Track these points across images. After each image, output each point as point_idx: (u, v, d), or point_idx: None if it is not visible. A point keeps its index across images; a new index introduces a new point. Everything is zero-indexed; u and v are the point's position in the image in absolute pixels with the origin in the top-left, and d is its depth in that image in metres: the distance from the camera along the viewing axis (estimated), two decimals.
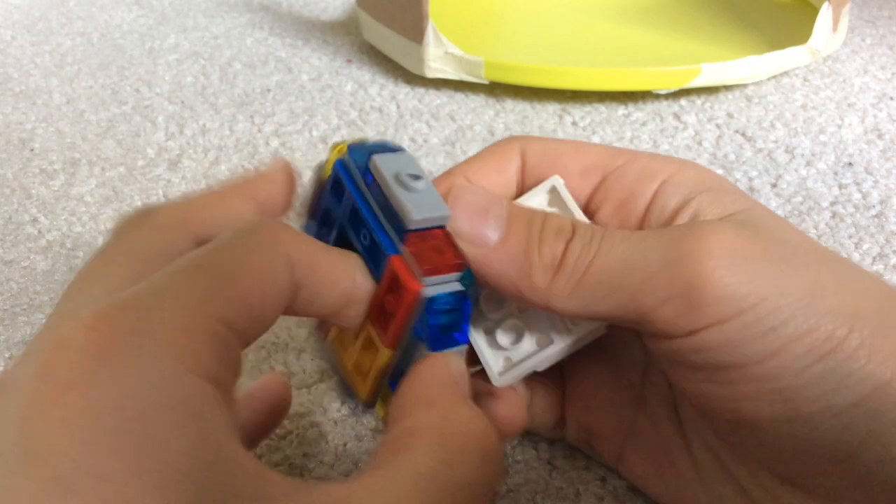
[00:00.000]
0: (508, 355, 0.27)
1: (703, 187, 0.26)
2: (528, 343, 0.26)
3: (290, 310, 0.22)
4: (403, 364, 0.23)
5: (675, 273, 0.22)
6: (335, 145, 0.24)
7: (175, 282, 0.20)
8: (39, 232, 0.46)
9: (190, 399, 0.18)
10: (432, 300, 0.22)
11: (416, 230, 0.22)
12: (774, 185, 0.50)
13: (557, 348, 0.26)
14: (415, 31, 0.61)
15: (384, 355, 0.23)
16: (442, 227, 0.22)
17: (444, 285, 0.22)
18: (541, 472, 0.31)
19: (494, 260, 0.24)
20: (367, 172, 0.23)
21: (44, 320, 0.39)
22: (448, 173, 0.28)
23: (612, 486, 0.31)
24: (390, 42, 0.65)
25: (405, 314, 0.22)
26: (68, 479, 0.16)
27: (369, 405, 0.24)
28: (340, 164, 0.23)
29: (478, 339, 0.26)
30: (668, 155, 0.28)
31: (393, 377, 0.24)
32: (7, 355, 0.37)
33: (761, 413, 0.23)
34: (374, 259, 0.23)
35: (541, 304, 0.24)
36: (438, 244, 0.22)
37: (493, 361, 0.26)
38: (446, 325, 0.22)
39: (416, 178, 0.22)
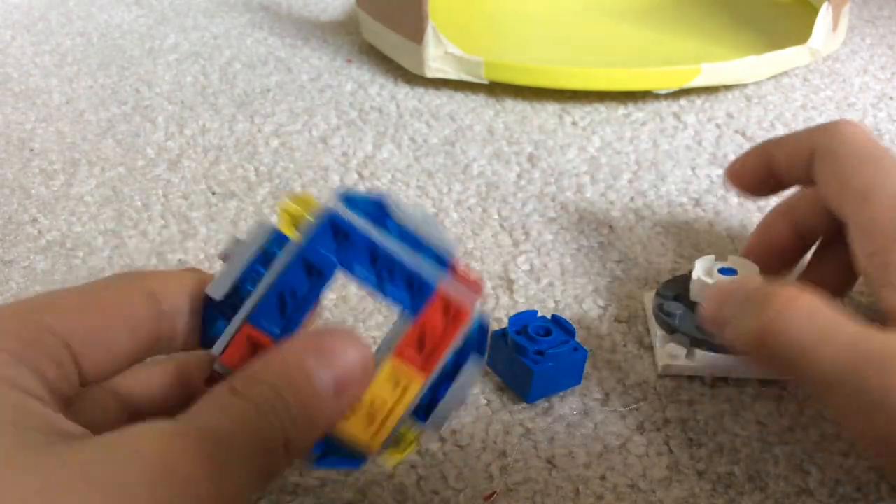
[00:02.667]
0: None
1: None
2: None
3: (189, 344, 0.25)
4: (431, 395, 0.24)
5: None
6: (289, 205, 0.25)
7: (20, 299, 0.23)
8: (39, 232, 0.46)
9: None
10: (482, 317, 0.25)
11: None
12: None
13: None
14: (415, 31, 0.61)
15: (416, 387, 0.24)
16: (447, 263, 0.25)
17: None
18: (540, 471, 0.31)
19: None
20: (386, 218, 0.24)
21: None
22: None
23: (611, 484, 0.31)
24: (390, 42, 0.65)
25: (455, 333, 0.24)
26: None
27: (378, 453, 0.24)
28: (335, 213, 0.24)
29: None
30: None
31: (419, 409, 0.24)
32: None
33: None
34: (399, 294, 0.24)
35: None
36: (461, 275, 0.25)
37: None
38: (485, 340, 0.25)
39: (431, 220, 0.25)
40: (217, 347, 0.24)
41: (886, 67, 0.67)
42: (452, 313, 0.24)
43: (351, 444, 0.24)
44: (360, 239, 0.24)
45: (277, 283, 0.23)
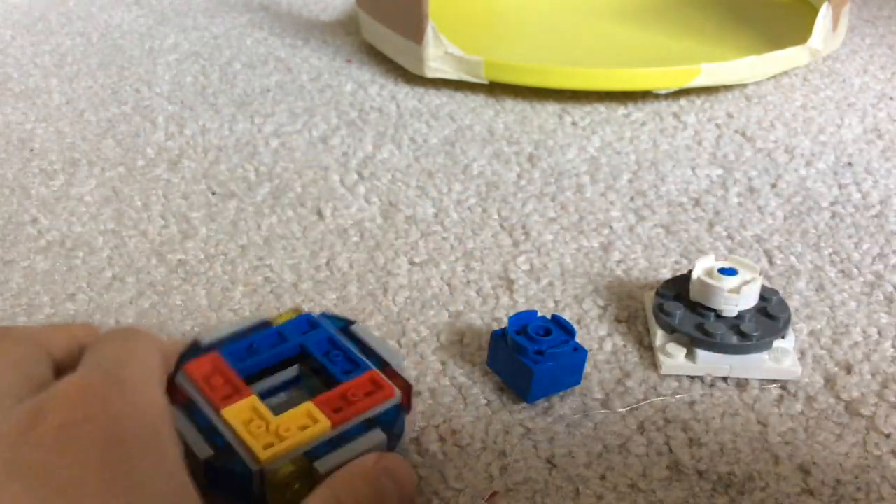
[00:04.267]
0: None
1: None
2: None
3: None
4: (332, 444, 0.28)
5: None
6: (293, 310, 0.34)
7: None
8: (39, 232, 0.46)
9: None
10: (400, 408, 0.30)
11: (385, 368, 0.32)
12: (774, 185, 0.50)
13: None
14: (415, 31, 0.61)
15: (322, 427, 0.28)
16: (389, 366, 0.32)
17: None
18: (540, 471, 0.31)
19: None
20: (347, 331, 0.34)
21: (44, 320, 0.39)
22: None
23: (611, 484, 0.31)
24: (390, 42, 0.65)
25: (369, 405, 0.29)
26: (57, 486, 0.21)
27: (261, 462, 0.27)
28: (311, 315, 0.34)
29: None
30: None
31: (316, 451, 0.28)
32: None
33: None
34: (336, 368, 0.31)
35: None
36: (397, 378, 0.31)
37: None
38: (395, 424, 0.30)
39: (384, 343, 0.33)
40: (184, 360, 0.31)
41: (886, 67, 0.67)
42: (375, 389, 0.30)
43: (246, 452, 0.27)
44: (323, 332, 0.33)
45: (252, 337, 0.32)
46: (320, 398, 0.29)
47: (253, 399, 0.29)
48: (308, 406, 0.29)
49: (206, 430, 0.28)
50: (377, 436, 0.29)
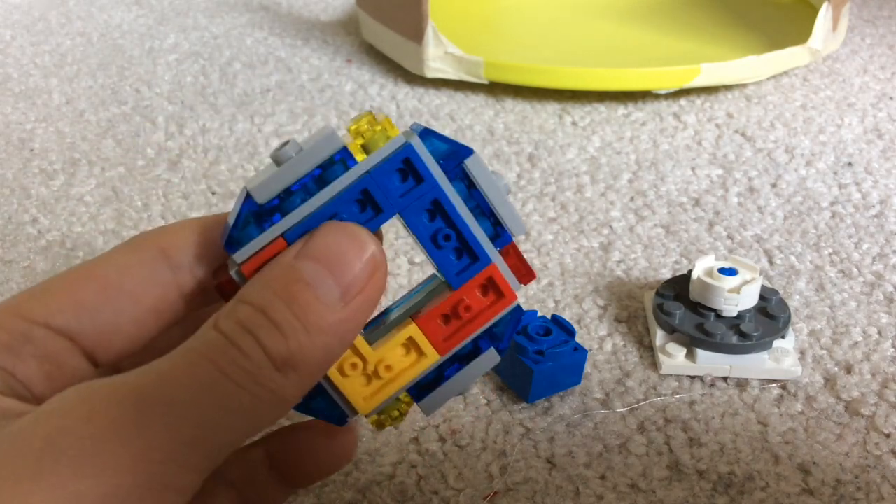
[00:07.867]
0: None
1: None
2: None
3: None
4: (437, 372, 0.23)
5: None
6: (366, 118, 0.21)
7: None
8: (39, 232, 0.46)
9: None
10: (519, 309, 0.23)
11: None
12: (774, 185, 0.50)
13: None
14: (415, 31, 0.61)
15: (430, 360, 0.22)
16: (508, 239, 0.23)
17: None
18: (540, 471, 0.31)
19: None
20: (459, 170, 0.22)
21: None
22: None
23: (612, 484, 0.31)
24: (390, 42, 0.65)
25: (490, 319, 0.22)
26: None
27: (361, 411, 0.22)
28: (412, 148, 0.21)
29: None
30: None
31: (418, 388, 0.23)
32: None
33: None
34: (445, 259, 0.22)
35: None
36: (515, 258, 0.23)
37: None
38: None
39: (508, 190, 0.22)
40: (241, 254, 0.21)
41: (886, 67, 0.67)
42: (494, 297, 0.22)
43: (341, 399, 0.22)
44: (429, 186, 0.21)
45: (327, 206, 0.21)
46: (425, 317, 0.22)
47: None
48: (411, 331, 0.22)
49: None
50: (491, 357, 0.23)
